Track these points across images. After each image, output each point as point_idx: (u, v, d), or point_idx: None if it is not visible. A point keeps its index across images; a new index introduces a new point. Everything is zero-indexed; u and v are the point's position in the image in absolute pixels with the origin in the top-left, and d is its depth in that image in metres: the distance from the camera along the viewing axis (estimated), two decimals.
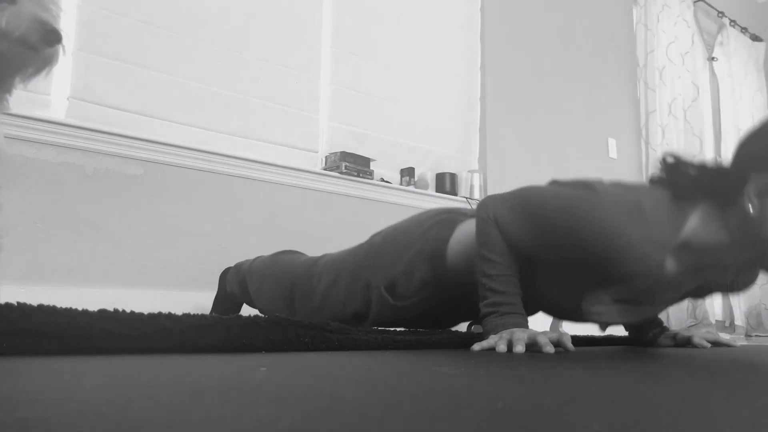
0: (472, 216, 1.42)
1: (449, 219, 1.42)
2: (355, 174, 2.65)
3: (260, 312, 1.84)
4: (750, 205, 1.04)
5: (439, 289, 1.39)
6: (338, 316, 1.53)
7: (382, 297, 1.43)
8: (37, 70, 0.92)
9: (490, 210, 1.20)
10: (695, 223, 1.09)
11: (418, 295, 1.41)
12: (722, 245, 1.09)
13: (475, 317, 1.55)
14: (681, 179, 1.12)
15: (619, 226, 1.06)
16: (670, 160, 1.16)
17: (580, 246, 1.10)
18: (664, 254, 1.09)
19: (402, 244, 1.44)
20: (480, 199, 3.01)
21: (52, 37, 0.85)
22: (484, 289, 1.18)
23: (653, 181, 1.17)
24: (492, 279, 1.17)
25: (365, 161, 2.71)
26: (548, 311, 1.33)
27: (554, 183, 1.22)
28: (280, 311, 1.73)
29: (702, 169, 1.13)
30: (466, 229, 1.36)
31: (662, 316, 1.55)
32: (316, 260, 1.67)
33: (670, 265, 1.11)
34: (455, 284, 1.37)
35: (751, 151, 1.08)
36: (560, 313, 1.32)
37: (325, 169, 2.64)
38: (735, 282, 1.27)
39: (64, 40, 0.91)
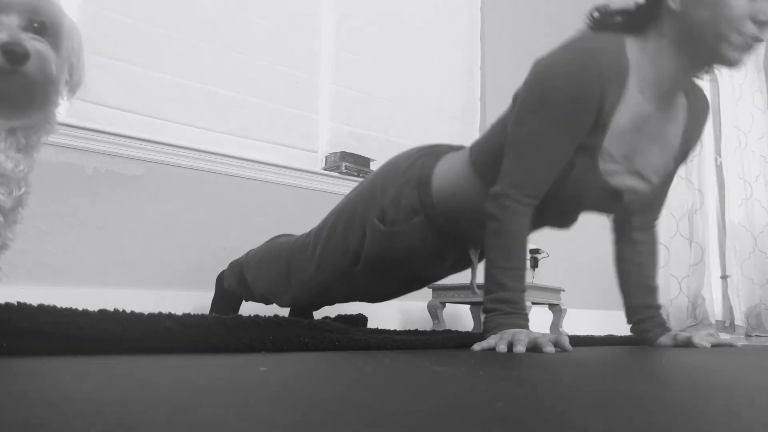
0: (456, 149, 1.52)
1: (435, 151, 1.52)
2: (355, 174, 2.65)
3: (260, 299, 1.85)
4: (671, 3, 1.20)
5: (426, 217, 1.43)
6: (333, 271, 1.57)
7: (374, 226, 1.48)
8: (41, 99, 0.88)
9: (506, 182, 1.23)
10: (635, 48, 1.22)
11: (407, 221, 1.45)
12: (669, 53, 1.22)
13: (464, 264, 1.61)
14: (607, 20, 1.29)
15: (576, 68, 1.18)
16: (596, 14, 1.31)
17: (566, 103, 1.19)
18: (624, 76, 1.19)
19: (391, 175, 1.51)
20: None
21: (9, 56, 0.80)
22: (492, 282, 1.19)
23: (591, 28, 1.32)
24: (504, 272, 1.18)
25: (365, 161, 2.71)
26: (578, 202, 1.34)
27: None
28: (279, 293, 1.74)
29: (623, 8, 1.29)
30: (452, 158, 1.46)
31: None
32: (309, 231, 1.72)
33: (633, 84, 1.21)
34: (442, 213, 1.42)
35: None
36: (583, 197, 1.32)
37: (325, 169, 2.63)
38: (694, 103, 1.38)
39: (40, 57, 0.85)
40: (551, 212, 1.33)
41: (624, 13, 1.29)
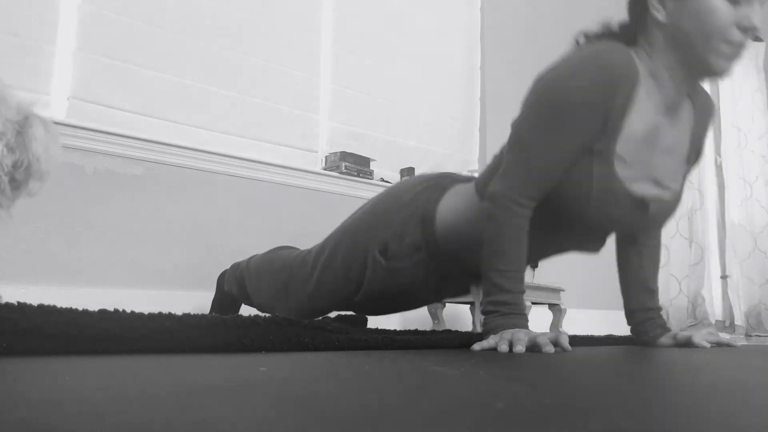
0: (461, 181, 1.47)
1: (439, 183, 1.47)
2: (355, 174, 2.65)
3: (258, 310, 1.85)
4: (658, 15, 1.21)
5: (429, 255, 1.41)
6: (332, 298, 1.56)
7: (375, 260, 1.46)
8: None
9: (504, 185, 1.20)
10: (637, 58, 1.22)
11: (409, 258, 1.42)
12: (662, 64, 1.23)
13: (463, 292, 1.60)
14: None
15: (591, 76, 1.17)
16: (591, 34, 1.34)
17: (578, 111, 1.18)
18: (634, 80, 1.18)
19: (394, 207, 1.48)
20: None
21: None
22: (489, 284, 1.18)
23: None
24: (501, 274, 1.17)
25: (365, 161, 2.71)
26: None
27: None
28: (276, 308, 1.74)
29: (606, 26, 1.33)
30: (457, 191, 1.41)
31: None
32: (310, 248, 1.70)
33: (644, 92, 1.21)
34: (445, 251, 1.39)
35: None
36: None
37: (325, 169, 2.64)
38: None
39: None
40: (579, 234, 1.31)
41: (619, 26, 1.32)
